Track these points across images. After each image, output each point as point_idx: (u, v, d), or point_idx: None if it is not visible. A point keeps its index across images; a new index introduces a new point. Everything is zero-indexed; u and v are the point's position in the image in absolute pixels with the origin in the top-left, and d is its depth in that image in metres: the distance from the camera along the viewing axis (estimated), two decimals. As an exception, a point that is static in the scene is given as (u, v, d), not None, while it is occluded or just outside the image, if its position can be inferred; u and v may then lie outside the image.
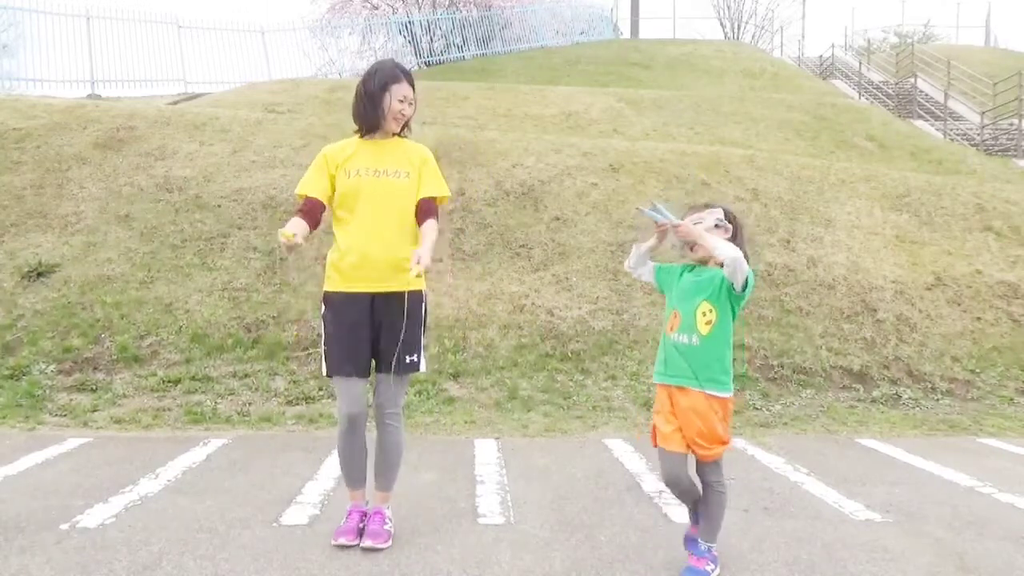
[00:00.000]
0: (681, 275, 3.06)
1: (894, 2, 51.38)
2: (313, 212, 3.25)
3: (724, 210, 3.06)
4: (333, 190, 3.27)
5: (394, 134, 3.33)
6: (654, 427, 3.07)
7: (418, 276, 3.06)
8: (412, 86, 3.30)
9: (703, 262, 3.01)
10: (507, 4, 23.42)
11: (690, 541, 3.16)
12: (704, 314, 2.93)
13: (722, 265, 2.86)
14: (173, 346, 6.72)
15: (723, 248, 2.85)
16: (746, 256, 2.88)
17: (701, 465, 3.02)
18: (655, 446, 3.05)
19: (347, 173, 3.24)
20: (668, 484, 3.09)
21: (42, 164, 9.01)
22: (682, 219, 3.01)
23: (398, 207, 3.24)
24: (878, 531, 3.67)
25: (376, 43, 23.00)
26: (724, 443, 2.97)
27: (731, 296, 2.92)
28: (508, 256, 8.14)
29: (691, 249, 3.01)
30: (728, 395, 2.97)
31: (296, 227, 3.12)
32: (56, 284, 7.29)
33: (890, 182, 10.42)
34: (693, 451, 2.98)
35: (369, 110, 3.26)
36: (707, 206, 3.10)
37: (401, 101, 3.25)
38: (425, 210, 3.28)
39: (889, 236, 9.16)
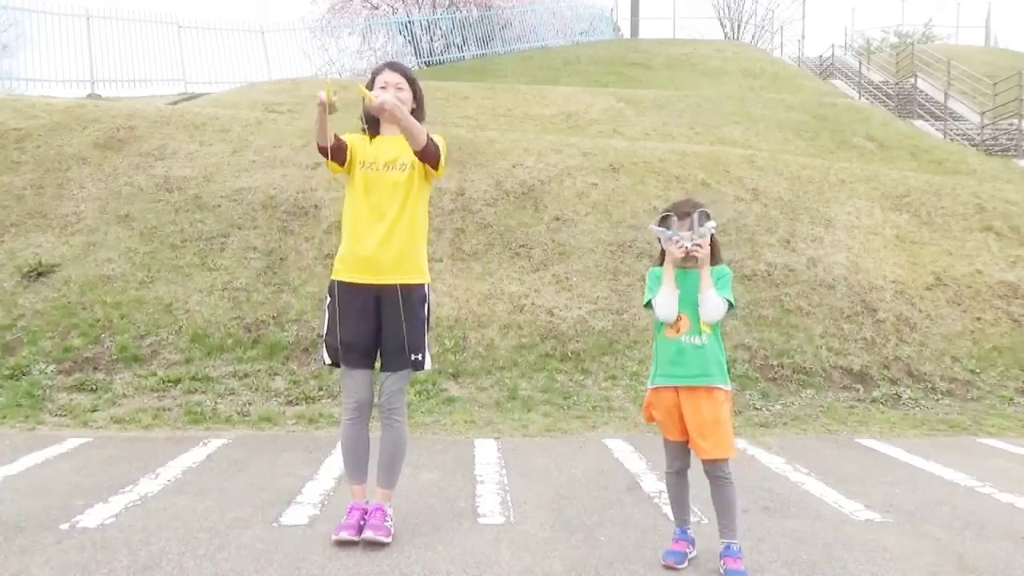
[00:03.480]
0: (676, 277, 3.09)
1: (894, 2, 51.35)
2: (339, 143, 3.29)
3: (703, 211, 3.06)
4: (351, 158, 3.32)
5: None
6: (648, 411, 3.20)
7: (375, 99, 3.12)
8: (402, 74, 3.36)
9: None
10: (507, 4, 23.39)
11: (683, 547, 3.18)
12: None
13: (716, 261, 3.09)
14: (173, 346, 6.72)
15: (713, 301, 3.01)
16: (719, 256, 3.11)
17: (712, 463, 3.06)
18: (648, 420, 3.25)
19: (361, 164, 3.32)
20: (675, 472, 3.19)
21: (42, 164, 9.01)
22: (670, 223, 3.05)
23: (401, 201, 3.28)
24: (878, 531, 3.67)
25: (376, 43, 23.02)
26: (732, 440, 3.09)
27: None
28: (508, 256, 8.14)
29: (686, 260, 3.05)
30: (730, 387, 3.16)
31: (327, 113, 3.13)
32: (56, 284, 7.29)
33: (890, 182, 10.42)
34: (707, 454, 3.04)
35: (364, 109, 3.34)
36: (689, 209, 3.05)
37: (383, 87, 3.29)
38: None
39: (889, 236, 9.16)
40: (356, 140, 3.39)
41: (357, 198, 3.31)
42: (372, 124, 3.38)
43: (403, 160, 3.31)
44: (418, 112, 3.40)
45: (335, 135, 3.26)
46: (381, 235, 3.24)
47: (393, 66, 3.42)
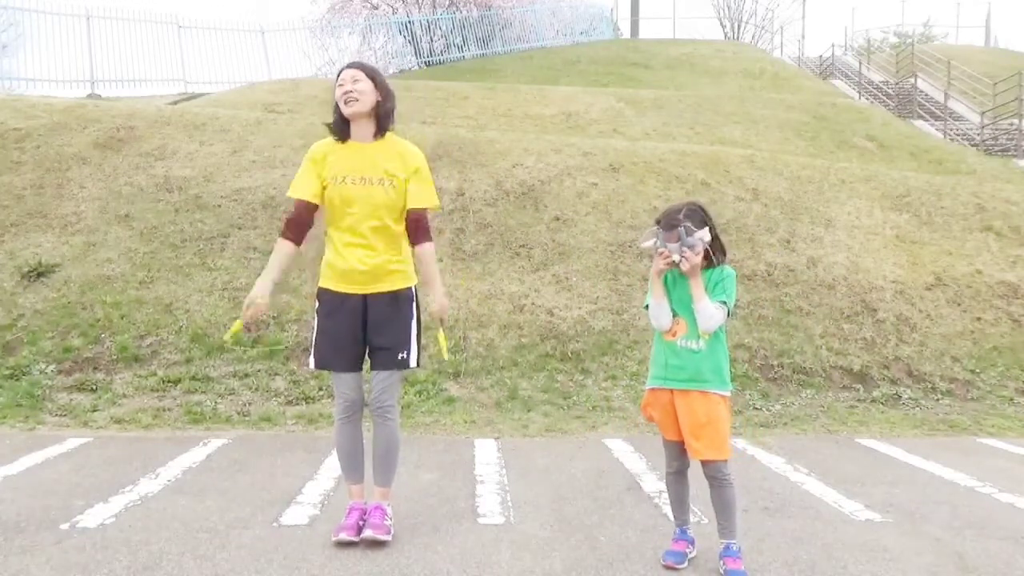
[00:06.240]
0: (674, 281, 3.07)
1: (894, 2, 51.29)
2: (302, 218, 3.27)
3: (699, 214, 3.01)
4: (323, 188, 3.26)
5: (375, 135, 3.29)
6: (647, 410, 3.18)
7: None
8: (358, 68, 3.26)
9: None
10: (507, 4, 23.39)
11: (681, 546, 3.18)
12: None
13: (710, 265, 3.03)
14: (173, 346, 6.72)
15: (707, 312, 2.96)
16: (723, 248, 3.05)
17: (708, 464, 3.05)
18: (649, 419, 3.23)
19: (334, 180, 3.23)
20: (675, 472, 3.18)
21: (42, 164, 9.01)
22: (657, 233, 3.01)
23: (384, 215, 3.24)
24: (878, 531, 3.67)
25: (376, 43, 23.03)
26: (727, 441, 3.06)
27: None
28: (508, 256, 8.14)
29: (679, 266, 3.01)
30: (729, 393, 3.10)
31: (262, 286, 3.17)
32: (56, 284, 7.29)
33: (890, 182, 10.41)
34: (700, 455, 3.02)
35: (334, 110, 3.29)
36: (676, 221, 2.97)
37: (341, 85, 3.23)
38: (416, 227, 3.31)
39: (889, 236, 9.16)
40: (322, 151, 3.29)
41: (335, 212, 3.25)
42: (342, 129, 3.28)
43: (382, 174, 3.23)
44: (385, 103, 3.27)
45: (295, 215, 3.28)
46: (364, 251, 3.22)
47: (350, 64, 3.32)
